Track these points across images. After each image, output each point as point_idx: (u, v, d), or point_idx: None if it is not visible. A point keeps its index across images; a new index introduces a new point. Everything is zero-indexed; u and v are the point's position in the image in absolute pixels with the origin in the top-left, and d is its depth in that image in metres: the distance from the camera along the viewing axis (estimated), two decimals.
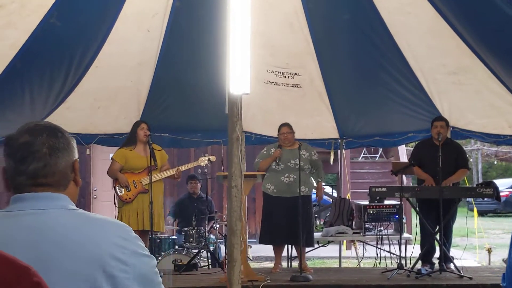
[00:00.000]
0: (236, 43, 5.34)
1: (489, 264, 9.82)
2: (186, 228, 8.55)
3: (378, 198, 8.76)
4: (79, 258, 1.69)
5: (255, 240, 13.63)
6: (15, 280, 1.32)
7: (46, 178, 1.82)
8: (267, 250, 11.52)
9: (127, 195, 7.64)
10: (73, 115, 8.62)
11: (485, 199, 8.37)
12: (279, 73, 8.43)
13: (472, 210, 17.70)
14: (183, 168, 8.19)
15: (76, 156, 1.92)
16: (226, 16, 5.43)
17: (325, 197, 8.47)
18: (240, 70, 5.30)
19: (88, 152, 13.48)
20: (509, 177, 29.61)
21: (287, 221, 7.61)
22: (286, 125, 7.96)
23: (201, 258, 8.73)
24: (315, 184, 8.35)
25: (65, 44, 7.24)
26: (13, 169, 1.82)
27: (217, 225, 8.91)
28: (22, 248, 1.67)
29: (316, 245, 8.91)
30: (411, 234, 10.86)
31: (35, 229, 1.73)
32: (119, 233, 1.79)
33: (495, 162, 32.35)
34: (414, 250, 8.28)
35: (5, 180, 1.87)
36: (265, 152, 8.05)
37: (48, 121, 1.94)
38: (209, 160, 8.15)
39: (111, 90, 8.42)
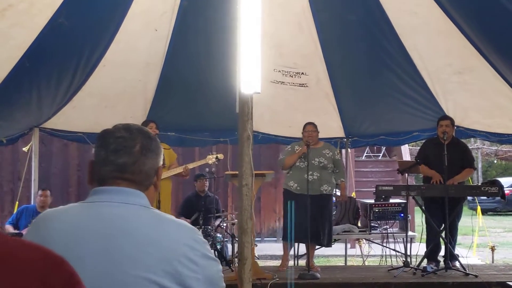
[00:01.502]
0: (246, 42, 5.35)
1: (493, 262, 9.85)
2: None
3: (384, 196, 8.80)
4: (150, 253, 1.75)
5: (259, 238, 13.69)
6: (50, 271, 1.35)
7: (133, 174, 1.89)
8: (272, 248, 11.60)
9: None
10: (79, 114, 8.66)
11: (486, 198, 8.39)
12: (286, 73, 8.49)
13: (472, 209, 17.73)
14: (191, 166, 8.20)
15: (161, 162, 2.00)
16: (235, 15, 5.45)
17: None
18: (251, 69, 5.31)
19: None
20: (509, 176, 29.64)
21: (310, 219, 7.55)
22: (311, 124, 7.97)
23: None
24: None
25: (73, 43, 7.28)
26: (102, 160, 1.89)
27: (224, 224, 8.93)
28: (94, 237, 1.75)
29: None
30: (414, 232, 10.90)
31: (110, 220, 1.79)
32: (192, 235, 1.85)
33: (495, 161, 32.42)
34: (419, 248, 8.32)
35: (89, 172, 1.94)
36: (289, 149, 8.09)
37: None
38: (217, 158, 8.14)
39: (118, 89, 8.46)
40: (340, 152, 10.23)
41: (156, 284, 1.72)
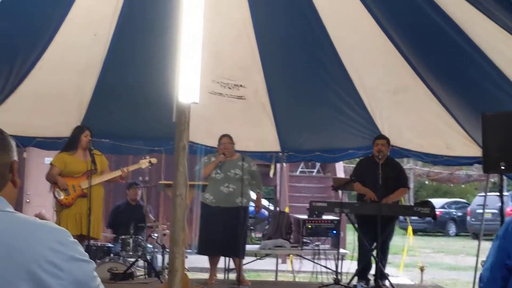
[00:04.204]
0: (187, 50, 5.27)
1: (422, 282, 9.98)
2: (123, 236, 8.37)
3: (317, 212, 8.81)
4: (9, 261, 1.61)
5: (190, 250, 13.53)
6: None
7: None
8: (202, 261, 11.45)
9: (66, 199, 7.43)
10: (11, 116, 8.34)
11: (417, 218, 8.51)
12: (225, 84, 8.44)
13: (403, 228, 17.94)
14: (131, 168, 8.00)
15: (15, 157, 1.86)
16: (177, 23, 5.37)
17: (262, 209, 8.44)
18: (190, 79, 5.24)
19: (25, 155, 13.05)
20: (439, 197, 30.28)
21: (225, 232, 7.56)
22: (226, 136, 8.02)
23: (137, 268, 8.57)
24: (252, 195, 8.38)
25: (9, 44, 7.08)
26: None
27: (156, 234, 8.75)
28: None
29: (253, 258, 8.90)
30: (346, 249, 10.96)
31: None
32: (56, 237, 1.72)
33: (427, 182, 33.07)
34: (350, 266, 8.35)
35: None
36: (206, 160, 8.07)
37: None
38: (150, 162, 7.98)
39: (53, 92, 8.21)
40: (275, 166, 10.24)
41: None
